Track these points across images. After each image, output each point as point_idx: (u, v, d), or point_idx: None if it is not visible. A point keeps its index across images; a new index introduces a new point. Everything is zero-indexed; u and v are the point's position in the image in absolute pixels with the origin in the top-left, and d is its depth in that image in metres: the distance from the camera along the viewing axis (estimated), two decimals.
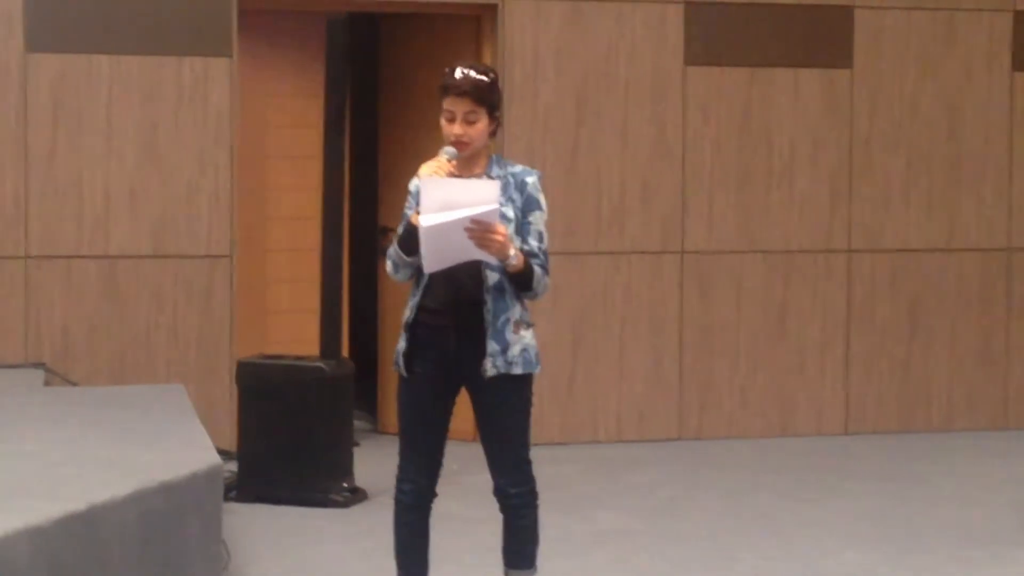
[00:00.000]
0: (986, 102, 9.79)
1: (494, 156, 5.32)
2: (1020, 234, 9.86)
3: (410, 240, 5.17)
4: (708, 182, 9.42)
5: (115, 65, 8.63)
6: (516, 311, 5.25)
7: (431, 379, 5.30)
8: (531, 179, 5.28)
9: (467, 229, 5.02)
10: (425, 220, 5.03)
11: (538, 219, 5.26)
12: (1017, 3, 9.81)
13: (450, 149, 5.18)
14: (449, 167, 5.14)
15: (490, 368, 5.20)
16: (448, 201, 5.03)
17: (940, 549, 6.93)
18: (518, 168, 5.33)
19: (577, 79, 9.23)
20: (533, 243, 5.23)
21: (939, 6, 9.70)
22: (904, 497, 7.99)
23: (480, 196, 5.06)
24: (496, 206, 5.06)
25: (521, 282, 5.22)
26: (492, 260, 5.13)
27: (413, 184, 5.30)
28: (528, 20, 9.16)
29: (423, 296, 5.26)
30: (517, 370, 5.24)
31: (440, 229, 5.02)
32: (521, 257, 5.15)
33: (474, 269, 5.19)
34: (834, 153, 9.59)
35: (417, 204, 5.20)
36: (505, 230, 5.10)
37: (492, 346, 5.20)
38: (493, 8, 9.15)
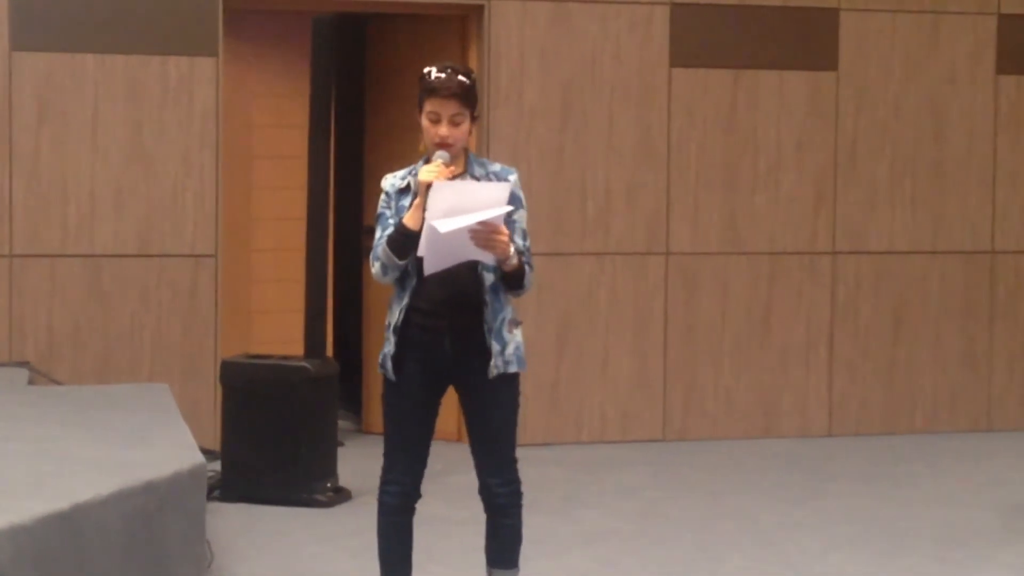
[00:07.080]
0: (971, 105, 9.81)
1: (471, 155, 5.30)
2: (1004, 237, 9.89)
3: (404, 242, 5.12)
4: (693, 183, 9.43)
5: (100, 64, 8.63)
6: (508, 310, 5.25)
7: (421, 381, 5.26)
8: (512, 177, 5.26)
9: (472, 230, 4.99)
10: (441, 225, 4.93)
11: (522, 217, 5.26)
12: (1001, 6, 9.84)
13: (444, 153, 5.13)
14: (448, 171, 5.10)
15: (493, 368, 5.20)
16: (457, 204, 4.96)
17: (923, 550, 6.94)
18: (497, 167, 5.31)
19: (563, 80, 9.23)
20: (519, 241, 5.21)
21: (924, 9, 9.73)
22: (887, 498, 8.00)
23: (490, 198, 5.03)
24: (509, 208, 5.06)
25: (514, 281, 5.21)
26: (491, 261, 5.13)
27: (388, 183, 5.28)
28: (514, 21, 9.16)
29: (413, 297, 5.21)
30: (513, 368, 5.24)
31: (454, 233, 4.95)
32: (518, 257, 5.16)
33: (471, 270, 5.17)
34: (819, 155, 9.61)
35: (394, 204, 5.20)
36: (507, 231, 5.09)
37: (495, 346, 5.20)
38: (479, 9, 9.15)
